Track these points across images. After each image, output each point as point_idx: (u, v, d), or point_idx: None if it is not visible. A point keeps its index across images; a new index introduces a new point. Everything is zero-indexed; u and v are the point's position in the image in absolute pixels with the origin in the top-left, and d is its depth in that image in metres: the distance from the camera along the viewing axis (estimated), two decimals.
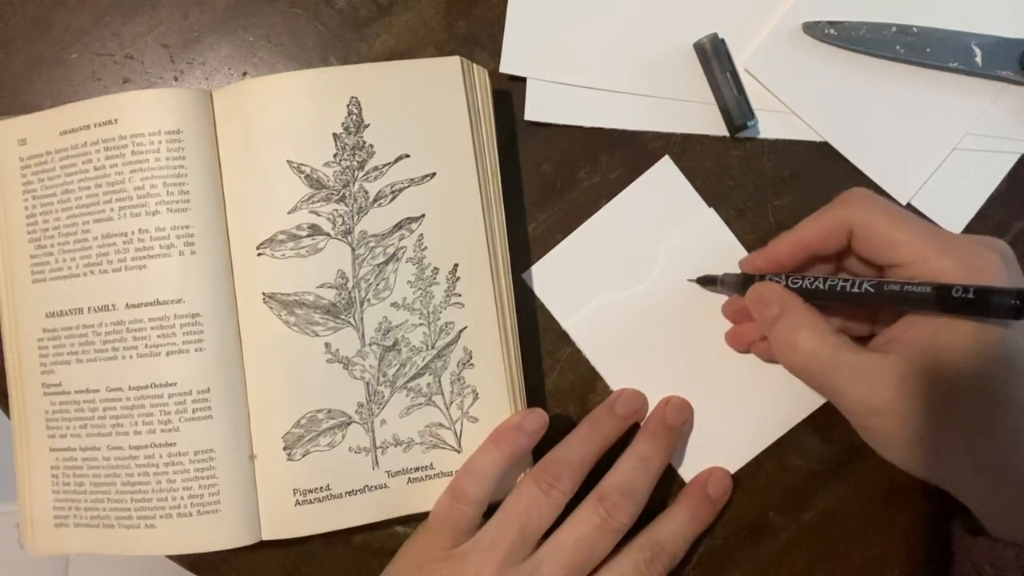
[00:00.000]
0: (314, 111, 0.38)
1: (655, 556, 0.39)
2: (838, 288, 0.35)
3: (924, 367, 0.33)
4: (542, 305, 0.42)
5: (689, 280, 0.42)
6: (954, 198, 0.42)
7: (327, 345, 0.38)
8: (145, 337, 0.37)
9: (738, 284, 0.39)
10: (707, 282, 0.41)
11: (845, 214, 0.36)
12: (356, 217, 0.38)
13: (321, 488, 0.38)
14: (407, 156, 0.38)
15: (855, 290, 0.34)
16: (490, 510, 0.39)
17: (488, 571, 0.37)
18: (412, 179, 0.38)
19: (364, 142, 0.38)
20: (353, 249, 0.38)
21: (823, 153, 0.42)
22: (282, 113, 0.38)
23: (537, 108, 0.42)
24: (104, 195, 0.38)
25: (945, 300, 0.32)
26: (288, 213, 0.38)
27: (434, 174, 0.39)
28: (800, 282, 0.37)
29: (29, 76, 0.42)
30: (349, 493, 0.38)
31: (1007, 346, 0.32)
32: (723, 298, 0.42)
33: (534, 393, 0.42)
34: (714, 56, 0.41)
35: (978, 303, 0.31)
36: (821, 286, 0.36)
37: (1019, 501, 0.33)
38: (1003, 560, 0.34)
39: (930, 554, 0.42)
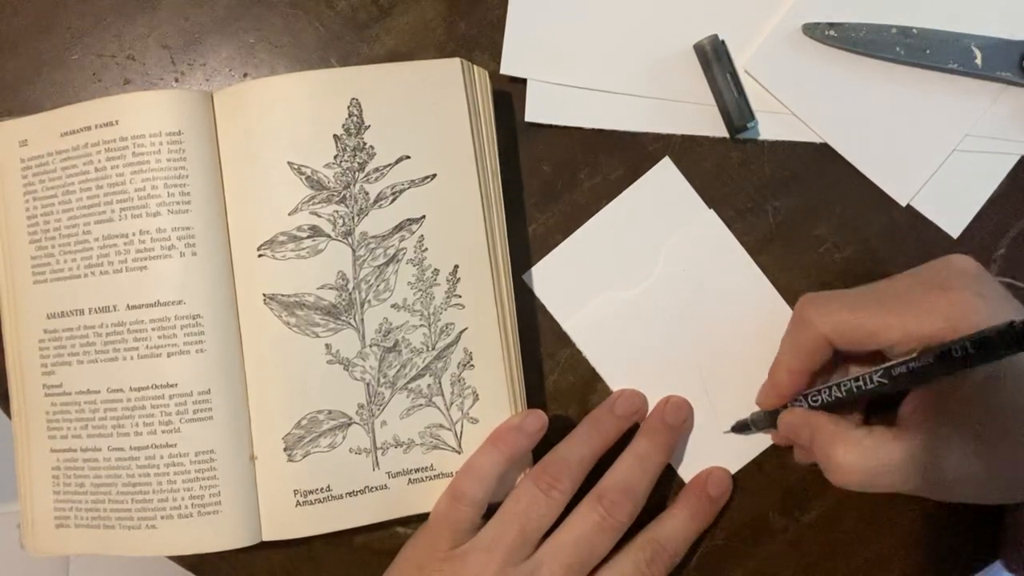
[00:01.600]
0: (314, 112, 0.38)
1: (656, 555, 0.39)
2: (854, 390, 0.35)
3: (954, 427, 0.33)
4: (542, 306, 0.42)
5: (726, 432, 0.42)
6: (954, 199, 0.42)
7: (328, 346, 0.38)
8: (146, 338, 0.37)
9: (768, 420, 0.40)
10: (742, 428, 0.42)
11: (812, 334, 0.36)
12: (356, 218, 0.38)
13: (322, 489, 0.38)
14: (407, 157, 0.38)
15: (871, 386, 0.35)
16: (490, 510, 0.39)
17: (489, 571, 0.37)
18: (412, 180, 0.39)
19: (364, 143, 0.38)
20: (354, 250, 0.38)
21: (823, 154, 0.42)
22: (283, 114, 0.38)
23: (537, 109, 0.42)
24: (105, 196, 0.38)
25: (951, 363, 0.31)
26: (289, 214, 0.38)
27: (434, 175, 0.39)
28: (819, 397, 0.37)
29: (30, 77, 0.43)
30: (350, 494, 0.38)
31: (1002, 394, 0.33)
32: (725, 294, 0.42)
33: (534, 394, 0.42)
34: (714, 57, 0.41)
35: (982, 352, 0.30)
36: (839, 394, 0.36)
37: None
38: None
39: (930, 554, 0.42)
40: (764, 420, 0.40)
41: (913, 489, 0.34)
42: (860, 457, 0.35)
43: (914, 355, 0.33)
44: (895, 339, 0.34)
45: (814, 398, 0.37)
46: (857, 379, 0.35)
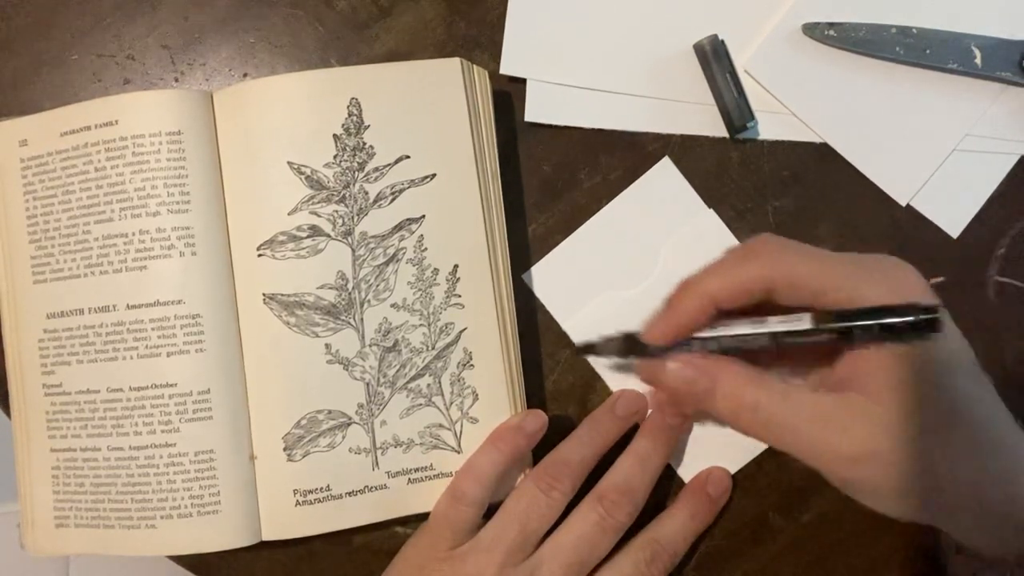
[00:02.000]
0: (314, 112, 0.38)
1: (655, 555, 0.39)
2: (769, 333, 0.32)
3: (896, 401, 0.31)
4: (542, 306, 0.42)
5: (577, 347, 0.39)
6: (954, 199, 0.42)
7: (327, 346, 0.38)
8: (146, 338, 0.37)
9: (620, 348, 0.36)
10: (587, 349, 0.38)
11: (761, 271, 0.33)
12: (356, 218, 0.38)
13: (321, 489, 0.38)
14: (407, 157, 0.38)
15: (795, 332, 0.32)
16: (490, 510, 0.39)
17: (488, 571, 0.37)
18: (412, 180, 0.39)
19: (364, 143, 0.38)
20: (353, 250, 0.38)
21: (823, 154, 0.42)
22: (282, 114, 0.38)
23: (537, 109, 0.42)
24: (105, 196, 0.38)
25: (898, 329, 0.30)
26: (288, 214, 0.38)
27: (434, 175, 0.39)
28: (716, 339, 0.33)
29: (30, 77, 0.43)
30: (349, 494, 0.38)
31: (962, 356, 0.32)
32: None
33: (534, 394, 0.42)
34: (714, 57, 0.41)
35: (927, 323, 0.30)
36: (748, 332, 0.32)
37: (999, 516, 0.32)
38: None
39: (930, 555, 0.42)
40: (616, 348, 0.36)
41: (816, 453, 0.31)
42: (772, 399, 0.31)
43: (855, 311, 0.31)
44: (842, 299, 0.32)
45: (708, 342, 0.33)
46: (779, 321, 0.32)
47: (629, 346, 0.36)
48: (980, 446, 0.32)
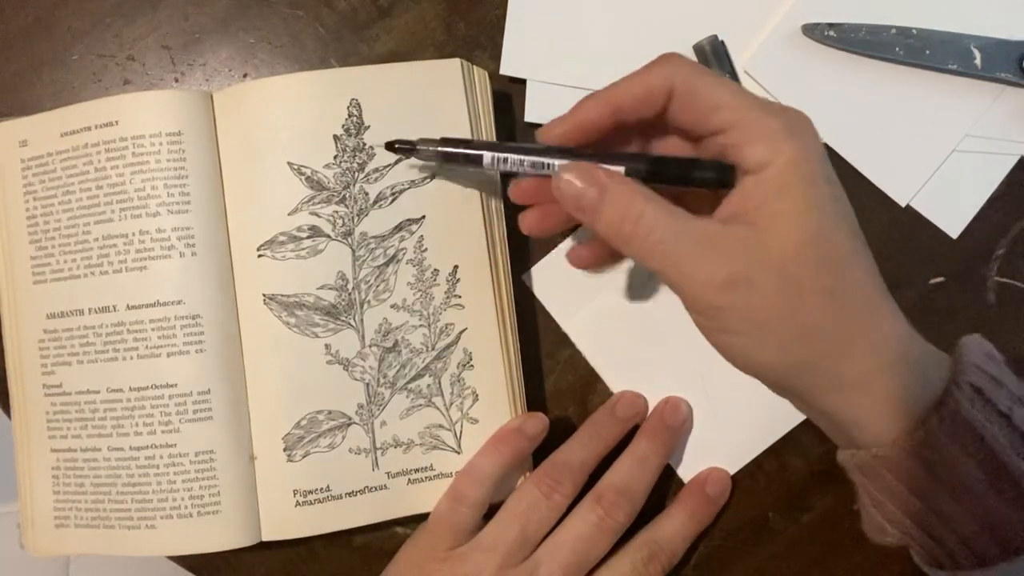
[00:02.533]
0: (314, 113, 0.38)
1: (653, 555, 0.39)
2: (648, 166, 0.32)
3: (772, 233, 0.30)
4: (542, 306, 0.42)
5: (382, 146, 0.37)
6: (953, 200, 0.42)
7: (327, 346, 0.38)
8: (146, 338, 0.38)
9: (441, 143, 0.35)
10: (404, 150, 0.36)
11: (666, 72, 0.32)
12: (356, 219, 0.38)
13: (321, 489, 0.38)
14: (407, 158, 0.38)
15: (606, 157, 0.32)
16: (490, 511, 0.39)
17: (487, 572, 0.37)
18: (412, 181, 0.39)
19: (364, 144, 0.38)
20: (353, 251, 0.38)
21: None
22: (283, 115, 0.38)
23: (537, 110, 0.42)
24: (105, 196, 0.38)
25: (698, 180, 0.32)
26: (288, 214, 0.38)
27: (434, 176, 0.39)
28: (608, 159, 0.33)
29: (30, 77, 0.43)
30: (349, 494, 0.38)
31: (839, 205, 0.31)
32: None
33: (534, 394, 0.42)
34: (714, 58, 0.41)
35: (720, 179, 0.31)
36: (640, 169, 0.32)
37: (883, 375, 0.30)
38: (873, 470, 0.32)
39: None
40: (435, 153, 0.35)
41: (688, 276, 0.30)
42: (662, 216, 0.30)
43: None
44: (736, 119, 0.31)
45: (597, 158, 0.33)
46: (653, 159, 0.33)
47: (452, 144, 0.35)
48: (857, 296, 0.30)
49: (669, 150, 0.35)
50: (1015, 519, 0.30)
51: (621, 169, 0.32)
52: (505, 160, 0.34)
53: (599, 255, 0.37)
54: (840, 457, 0.34)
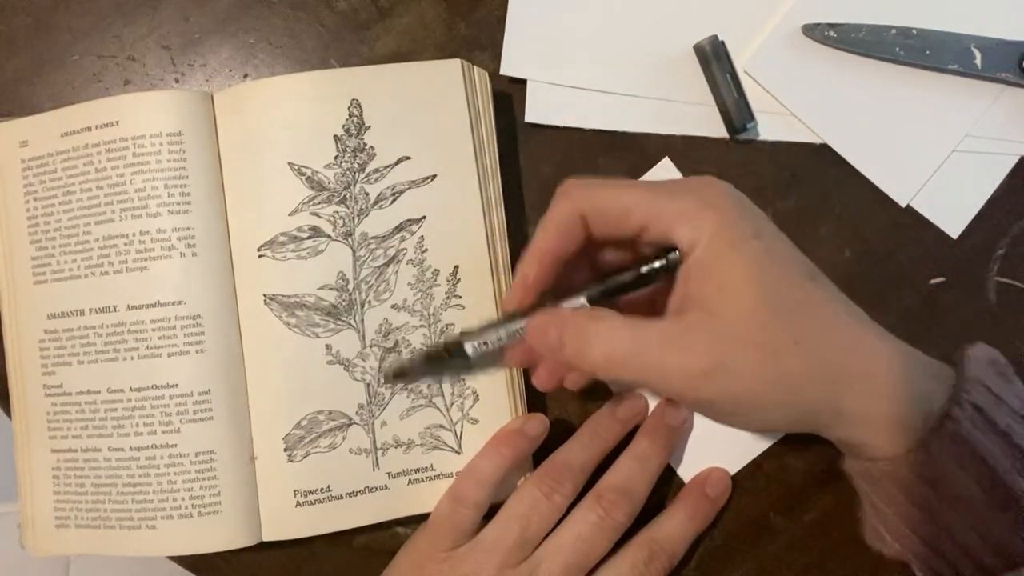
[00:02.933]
0: (315, 113, 0.38)
1: (654, 555, 0.39)
2: (605, 290, 0.33)
3: (732, 307, 0.30)
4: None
5: (385, 383, 0.39)
6: (954, 200, 0.42)
7: (328, 347, 0.38)
8: (146, 339, 0.38)
9: (425, 361, 0.36)
10: (399, 376, 0.37)
11: (569, 205, 0.33)
12: (357, 219, 0.38)
13: (322, 489, 0.38)
14: (408, 158, 0.38)
15: (622, 280, 0.33)
16: (490, 511, 0.39)
17: (488, 572, 0.37)
18: (413, 181, 0.39)
19: (365, 144, 0.38)
20: (354, 251, 0.38)
21: (823, 155, 0.42)
22: (283, 115, 0.38)
23: (537, 110, 0.42)
24: (105, 197, 0.38)
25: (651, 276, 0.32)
26: (289, 215, 0.38)
27: (435, 176, 0.39)
28: (568, 303, 0.34)
29: (30, 78, 0.43)
30: (350, 494, 0.38)
31: (776, 254, 0.31)
32: None
33: (534, 395, 0.42)
34: (714, 58, 0.41)
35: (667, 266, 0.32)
36: (591, 293, 0.33)
37: (868, 396, 0.31)
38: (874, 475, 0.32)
39: None
40: (422, 363, 0.36)
41: (666, 377, 0.30)
42: (619, 332, 0.31)
43: (666, 256, 0.32)
44: (650, 213, 0.32)
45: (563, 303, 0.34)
46: (604, 279, 0.34)
47: (428, 358, 0.36)
48: (831, 334, 0.31)
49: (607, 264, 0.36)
50: (1016, 535, 0.30)
51: (581, 300, 0.34)
52: (485, 343, 0.35)
53: (558, 376, 0.37)
54: (845, 465, 0.34)
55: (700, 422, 0.42)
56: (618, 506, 0.38)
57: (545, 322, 0.33)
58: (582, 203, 0.33)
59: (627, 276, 0.33)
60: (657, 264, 0.32)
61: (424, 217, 0.39)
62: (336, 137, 0.38)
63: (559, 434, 0.40)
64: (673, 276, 0.32)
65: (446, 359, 0.35)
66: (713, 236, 0.30)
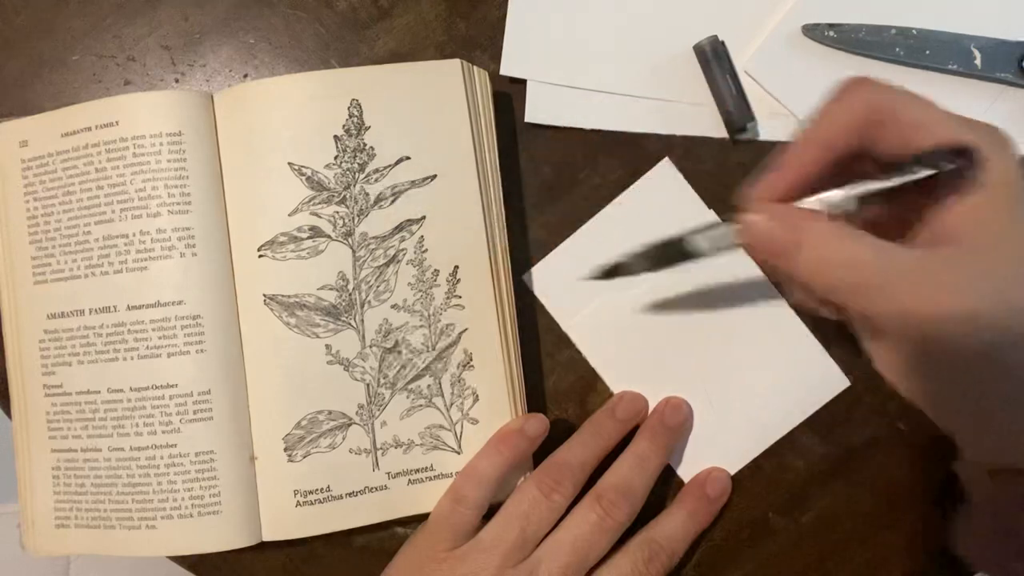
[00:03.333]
0: (315, 113, 0.38)
1: (653, 555, 0.39)
2: (867, 188, 0.29)
3: (994, 256, 0.28)
4: (542, 307, 0.42)
5: (585, 278, 0.36)
6: None
7: (328, 347, 0.38)
8: (146, 338, 0.38)
9: (652, 255, 0.33)
10: (615, 271, 0.35)
11: (863, 97, 0.30)
12: (357, 219, 0.38)
13: (322, 489, 0.38)
14: (408, 158, 0.38)
15: (901, 178, 0.28)
16: (490, 510, 0.39)
17: (487, 572, 0.37)
18: (413, 181, 0.39)
19: (365, 144, 0.38)
20: (354, 251, 0.38)
21: None
22: (283, 115, 0.38)
23: (537, 110, 0.42)
24: (105, 197, 0.38)
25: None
26: (289, 215, 0.38)
27: (435, 176, 0.39)
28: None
29: (30, 78, 0.43)
30: (349, 494, 0.38)
31: None
32: (725, 294, 0.42)
33: (534, 394, 0.42)
34: (714, 58, 0.41)
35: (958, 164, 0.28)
36: (846, 194, 0.29)
37: None
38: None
39: (930, 554, 0.42)
40: (645, 259, 0.34)
41: (912, 310, 0.28)
42: (864, 250, 0.28)
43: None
44: (945, 132, 0.29)
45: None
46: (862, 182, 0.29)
47: (663, 253, 0.33)
48: None
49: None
50: None
51: (821, 204, 0.29)
52: (715, 238, 0.31)
53: None
54: (965, 471, 0.32)
55: (700, 423, 0.42)
56: (618, 506, 0.38)
57: (779, 221, 0.29)
58: (878, 100, 0.30)
59: (899, 178, 0.28)
60: (950, 165, 0.28)
61: (424, 217, 0.39)
62: (336, 137, 0.38)
63: (559, 434, 0.40)
64: (938, 195, 0.29)
65: (670, 249, 0.32)
66: (999, 184, 0.28)
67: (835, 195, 0.29)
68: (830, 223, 0.29)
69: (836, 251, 0.28)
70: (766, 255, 0.30)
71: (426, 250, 0.39)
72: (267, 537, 0.38)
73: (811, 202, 0.30)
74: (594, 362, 0.42)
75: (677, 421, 0.41)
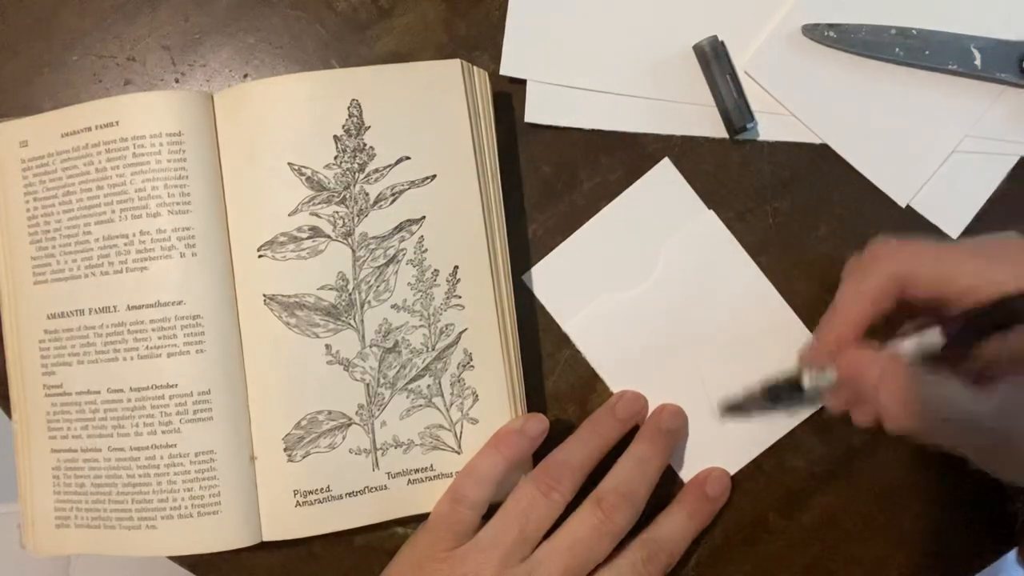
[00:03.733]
0: (315, 113, 0.38)
1: (653, 555, 0.39)
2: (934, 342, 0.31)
3: None
4: (542, 307, 0.42)
5: (722, 419, 0.40)
6: (953, 200, 0.42)
7: (328, 347, 0.38)
8: (146, 339, 0.38)
9: (764, 394, 0.36)
10: (735, 409, 0.38)
11: (881, 274, 0.33)
12: (357, 219, 0.38)
13: (321, 489, 0.38)
14: (407, 158, 0.38)
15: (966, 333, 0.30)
16: (490, 510, 0.39)
17: (487, 572, 0.37)
18: (412, 181, 0.39)
19: (365, 144, 0.38)
20: (354, 251, 0.38)
21: (822, 155, 0.42)
22: (283, 115, 0.38)
23: (537, 110, 0.42)
24: (105, 197, 0.38)
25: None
26: (289, 215, 0.38)
27: (434, 176, 0.39)
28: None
29: (30, 78, 0.43)
30: (349, 494, 0.38)
31: None
32: (725, 295, 0.42)
33: (534, 395, 0.42)
34: (714, 58, 0.41)
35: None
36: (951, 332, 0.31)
37: None
38: None
39: (930, 554, 0.42)
40: (759, 395, 0.37)
41: (992, 442, 0.30)
42: (960, 395, 0.30)
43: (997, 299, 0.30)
44: (969, 283, 0.31)
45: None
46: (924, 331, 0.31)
47: (775, 392, 0.36)
48: None
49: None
50: None
51: (905, 350, 0.32)
52: (822, 377, 0.34)
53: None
54: None
55: (700, 423, 0.42)
56: (619, 510, 0.38)
57: (865, 361, 0.32)
58: (896, 266, 0.33)
59: (987, 317, 0.30)
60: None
61: (424, 217, 0.39)
62: (336, 137, 0.38)
63: (559, 434, 0.40)
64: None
65: (784, 393, 0.35)
66: None
67: (921, 338, 0.32)
68: (908, 368, 0.31)
69: (914, 388, 0.30)
70: (855, 387, 0.32)
71: (426, 250, 0.39)
72: (267, 537, 0.38)
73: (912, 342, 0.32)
74: (594, 362, 0.42)
75: (676, 424, 0.41)
